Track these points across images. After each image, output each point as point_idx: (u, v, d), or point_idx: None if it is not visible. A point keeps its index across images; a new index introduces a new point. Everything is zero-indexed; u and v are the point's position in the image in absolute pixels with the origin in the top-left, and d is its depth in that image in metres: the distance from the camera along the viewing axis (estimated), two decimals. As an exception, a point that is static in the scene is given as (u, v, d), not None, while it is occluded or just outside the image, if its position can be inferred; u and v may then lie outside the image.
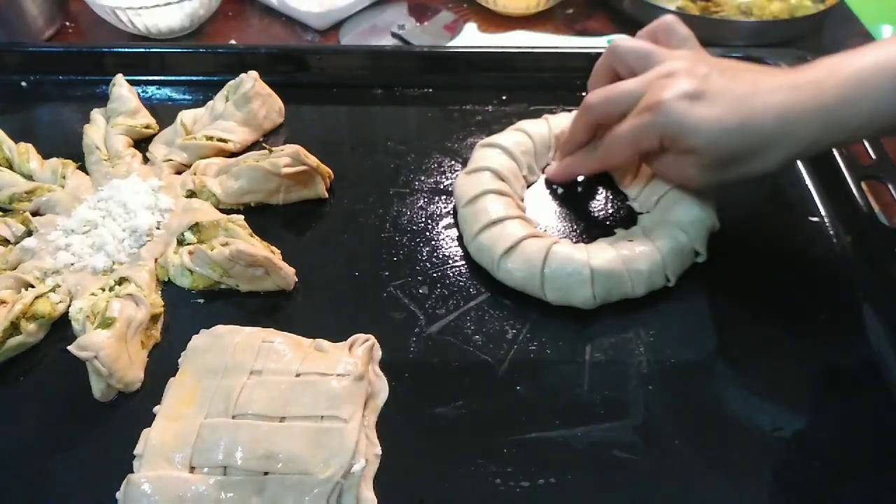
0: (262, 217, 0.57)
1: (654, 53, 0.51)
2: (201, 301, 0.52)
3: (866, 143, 0.59)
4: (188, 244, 0.53)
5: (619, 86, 0.51)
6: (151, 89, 0.70)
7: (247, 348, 0.45)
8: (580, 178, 0.61)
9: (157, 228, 0.55)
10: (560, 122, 0.61)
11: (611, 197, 0.59)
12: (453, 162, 0.63)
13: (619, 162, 0.55)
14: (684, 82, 0.47)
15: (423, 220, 0.58)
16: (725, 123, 0.46)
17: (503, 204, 0.54)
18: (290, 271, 0.52)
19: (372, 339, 0.47)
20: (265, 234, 0.55)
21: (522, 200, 0.58)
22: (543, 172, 0.61)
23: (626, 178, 0.59)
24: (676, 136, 0.47)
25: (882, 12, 0.86)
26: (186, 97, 0.70)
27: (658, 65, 0.50)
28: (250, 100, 0.63)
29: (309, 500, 0.38)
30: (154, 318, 0.50)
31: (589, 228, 0.57)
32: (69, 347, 0.44)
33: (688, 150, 0.48)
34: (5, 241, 0.54)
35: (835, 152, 0.59)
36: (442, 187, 0.60)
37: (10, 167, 0.60)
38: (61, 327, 0.50)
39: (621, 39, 0.54)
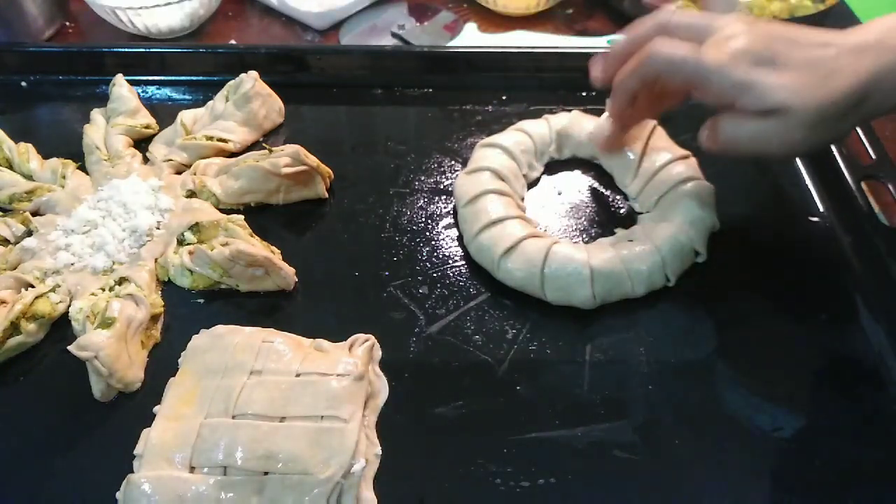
0: (262, 217, 0.57)
1: (711, 25, 0.47)
2: (201, 301, 0.52)
3: (866, 143, 0.59)
4: (188, 244, 0.53)
5: (688, 56, 0.46)
6: (151, 89, 0.70)
7: (247, 348, 0.45)
8: (581, 180, 0.61)
9: (157, 228, 0.55)
10: (560, 121, 0.61)
11: (611, 197, 0.59)
12: (453, 162, 0.63)
13: (672, 88, 0.51)
14: (747, 40, 0.45)
15: (423, 220, 0.58)
16: (807, 87, 0.44)
17: (503, 204, 0.54)
18: (290, 271, 0.52)
19: (372, 339, 0.47)
20: (265, 234, 0.55)
21: (522, 200, 0.58)
22: (544, 171, 0.61)
23: (626, 178, 0.59)
24: (756, 99, 0.45)
25: (882, 12, 0.86)
26: (186, 97, 0.70)
27: (716, 32, 0.47)
28: (250, 100, 0.63)
29: (309, 500, 0.38)
30: (154, 318, 0.50)
31: (589, 228, 0.57)
32: (69, 347, 0.44)
33: (776, 112, 0.45)
34: (5, 241, 0.54)
35: (835, 152, 0.59)
36: (442, 187, 0.61)
37: (10, 167, 0.60)
38: (61, 327, 0.50)
39: (672, 13, 0.50)
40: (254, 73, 0.64)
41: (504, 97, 0.69)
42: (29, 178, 0.60)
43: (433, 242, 0.56)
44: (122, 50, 0.72)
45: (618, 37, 0.77)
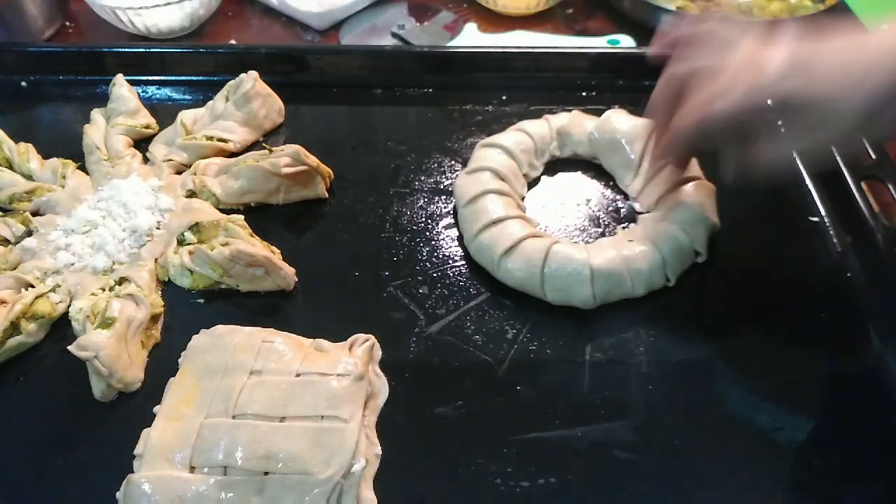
0: (262, 217, 0.57)
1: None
2: (201, 301, 0.52)
3: (866, 143, 0.59)
4: (188, 244, 0.53)
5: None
6: (151, 89, 0.70)
7: (247, 348, 0.45)
8: (581, 179, 0.61)
9: (158, 228, 0.55)
10: (560, 121, 0.61)
11: (611, 197, 0.59)
12: (453, 162, 0.63)
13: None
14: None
15: (423, 220, 0.58)
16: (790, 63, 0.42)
17: (503, 204, 0.54)
18: (290, 271, 0.52)
19: (372, 339, 0.47)
20: (265, 234, 0.55)
21: (523, 200, 0.58)
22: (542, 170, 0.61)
23: (626, 178, 0.59)
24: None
25: (882, 12, 0.86)
26: (186, 97, 0.70)
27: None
28: (250, 100, 0.63)
29: (309, 500, 0.38)
30: (154, 318, 0.50)
31: (589, 228, 0.57)
32: (69, 347, 0.44)
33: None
34: (5, 241, 0.54)
35: (835, 152, 0.59)
36: (442, 187, 0.60)
37: (10, 167, 0.60)
38: (61, 327, 0.50)
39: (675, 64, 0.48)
40: (254, 73, 0.64)
41: (504, 97, 0.69)
42: (29, 178, 0.60)
43: (433, 242, 0.56)
44: (122, 50, 0.72)
45: (618, 37, 0.78)
